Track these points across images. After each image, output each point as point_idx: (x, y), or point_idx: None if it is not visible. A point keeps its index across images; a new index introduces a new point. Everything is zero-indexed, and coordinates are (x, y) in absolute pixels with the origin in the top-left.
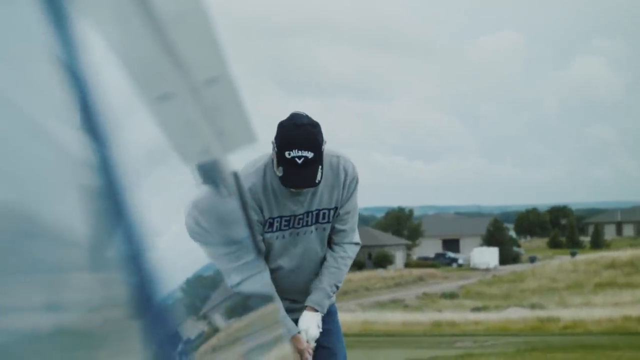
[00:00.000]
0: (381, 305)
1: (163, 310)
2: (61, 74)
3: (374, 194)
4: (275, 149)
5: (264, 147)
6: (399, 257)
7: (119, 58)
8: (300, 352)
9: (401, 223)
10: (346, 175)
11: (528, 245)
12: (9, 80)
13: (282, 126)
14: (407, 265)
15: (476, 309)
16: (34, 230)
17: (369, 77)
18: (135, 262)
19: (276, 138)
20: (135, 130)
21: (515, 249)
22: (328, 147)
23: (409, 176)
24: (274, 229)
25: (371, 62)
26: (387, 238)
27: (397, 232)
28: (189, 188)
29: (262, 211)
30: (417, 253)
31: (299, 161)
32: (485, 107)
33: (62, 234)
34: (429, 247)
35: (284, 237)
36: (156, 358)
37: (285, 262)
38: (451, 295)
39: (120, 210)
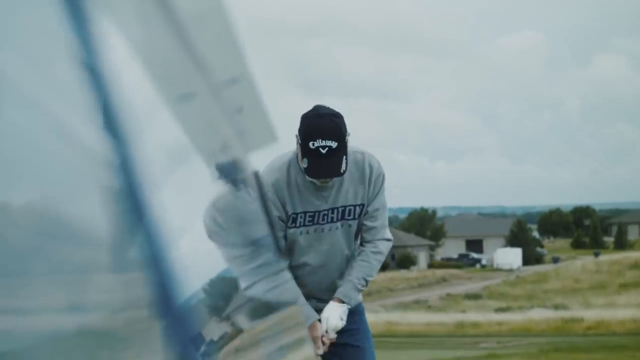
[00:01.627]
0: (404, 306)
1: (185, 311)
2: (83, 74)
3: (396, 195)
4: (300, 141)
5: (284, 146)
6: (422, 257)
7: (140, 58)
8: (314, 339)
9: (424, 224)
10: (372, 171)
11: (551, 245)
12: (33, 80)
13: (305, 117)
14: (431, 266)
15: (500, 310)
16: (58, 231)
17: (388, 77)
18: (157, 262)
19: (300, 130)
20: (157, 130)
21: (538, 249)
22: (352, 144)
23: (431, 177)
24: (297, 224)
25: (390, 63)
26: (410, 239)
27: (420, 233)
28: (210, 188)
29: (284, 207)
30: (440, 254)
31: (323, 151)
32: (506, 107)
33: (86, 235)
34: (452, 248)
35: (307, 232)
36: (179, 359)
37: (310, 259)
38: (474, 296)
39: (141, 210)
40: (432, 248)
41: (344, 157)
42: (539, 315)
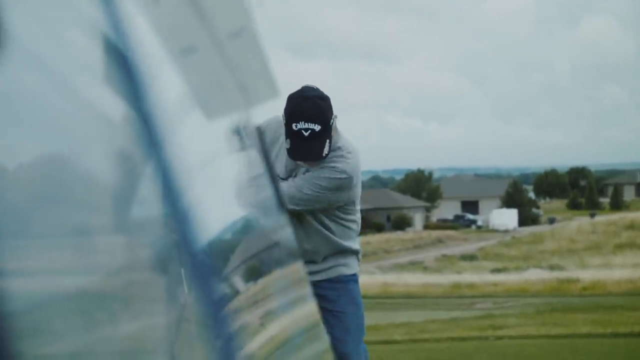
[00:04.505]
0: (400, 267)
1: (205, 256)
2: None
3: (390, 157)
4: (284, 121)
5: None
6: (418, 219)
7: (143, 10)
8: None
9: (420, 185)
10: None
11: (547, 206)
12: (38, 37)
13: (291, 98)
14: (426, 227)
15: (495, 271)
16: (59, 191)
17: (377, 38)
18: (174, 201)
19: (285, 110)
20: (167, 82)
21: (534, 210)
22: (346, 142)
23: (424, 139)
24: None
25: (378, 24)
26: (406, 200)
27: (416, 195)
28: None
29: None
30: (436, 215)
31: (306, 134)
32: (495, 69)
33: (88, 196)
34: (448, 209)
35: None
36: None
37: None
38: (470, 257)
39: (157, 145)
40: (427, 209)
41: (327, 140)
42: (534, 275)
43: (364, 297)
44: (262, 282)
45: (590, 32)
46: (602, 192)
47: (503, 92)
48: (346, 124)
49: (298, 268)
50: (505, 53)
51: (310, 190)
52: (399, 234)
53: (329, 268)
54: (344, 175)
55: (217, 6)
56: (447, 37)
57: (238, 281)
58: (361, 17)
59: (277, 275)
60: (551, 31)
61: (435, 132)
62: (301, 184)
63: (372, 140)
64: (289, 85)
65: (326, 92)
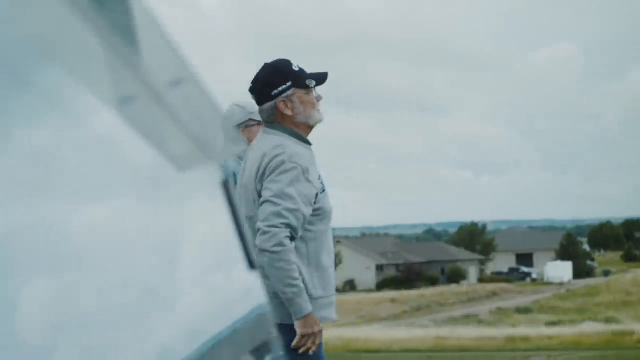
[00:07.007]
0: (455, 321)
1: None
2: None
3: (443, 209)
4: (289, 77)
5: None
6: (473, 272)
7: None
8: (307, 336)
9: (474, 238)
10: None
11: (602, 259)
12: None
13: (269, 66)
14: (481, 280)
15: (550, 324)
16: None
17: (423, 91)
18: None
19: (275, 77)
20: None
21: (589, 262)
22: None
23: (476, 191)
24: (324, 187)
25: (424, 76)
26: (461, 253)
27: (470, 247)
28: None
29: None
30: (490, 268)
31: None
32: (543, 121)
33: None
34: (502, 262)
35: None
36: None
37: (330, 227)
38: (525, 310)
39: None
40: (482, 262)
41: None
42: (589, 328)
43: (418, 350)
44: None
45: (639, 83)
46: None
47: (552, 144)
48: (397, 177)
49: None
50: (552, 104)
51: (283, 203)
52: (453, 287)
53: None
54: (290, 165)
55: (151, 57)
56: (493, 88)
57: None
58: (408, 70)
59: None
60: (599, 81)
61: (486, 184)
62: (271, 211)
63: (424, 192)
64: (340, 139)
65: (376, 145)
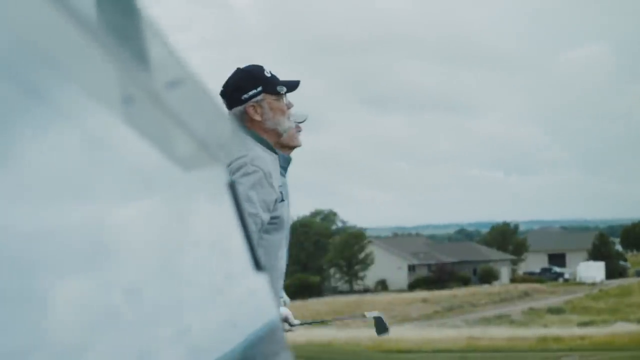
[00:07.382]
0: (487, 321)
1: None
2: None
3: (474, 209)
4: (259, 82)
5: None
6: (505, 272)
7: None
8: None
9: (506, 238)
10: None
11: (634, 259)
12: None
13: (242, 71)
14: (513, 280)
15: (583, 324)
16: None
17: (454, 91)
18: None
19: (248, 80)
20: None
21: (621, 263)
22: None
23: (507, 191)
24: (283, 196)
25: (454, 76)
26: (492, 253)
27: (502, 247)
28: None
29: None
30: (522, 268)
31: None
32: (575, 121)
33: None
34: (534, 262)
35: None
36: None
37: (287, 235)
38: (557, 310)
39: None
40: (514, 262)
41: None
42: (622, 329)
43: (450, 351)
44: None
45: None
46: None
47: (584, 143)
48: (428, 177)
49: None
50: (584, 103)
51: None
52: (485, 288)
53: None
54: (250, 169)
55: (150, 57)
56: (524, 88)
57: None
58: (439, 70)
59: None
60: (631, 81)
61: (517, 184)
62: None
63: (455, 192)
64: (371, 138)
65: (404, 145)
